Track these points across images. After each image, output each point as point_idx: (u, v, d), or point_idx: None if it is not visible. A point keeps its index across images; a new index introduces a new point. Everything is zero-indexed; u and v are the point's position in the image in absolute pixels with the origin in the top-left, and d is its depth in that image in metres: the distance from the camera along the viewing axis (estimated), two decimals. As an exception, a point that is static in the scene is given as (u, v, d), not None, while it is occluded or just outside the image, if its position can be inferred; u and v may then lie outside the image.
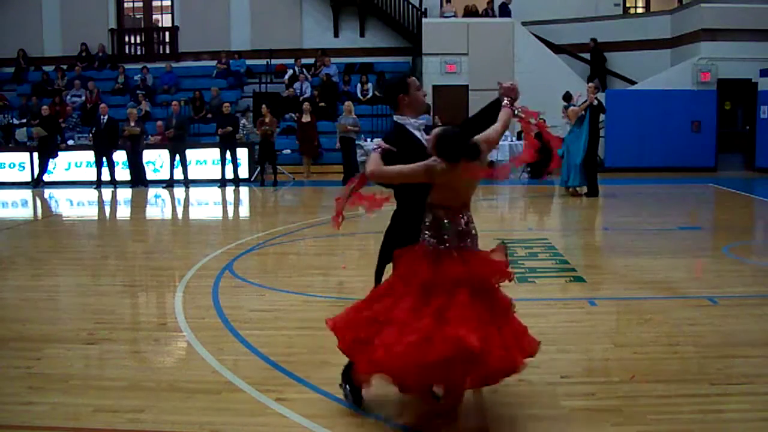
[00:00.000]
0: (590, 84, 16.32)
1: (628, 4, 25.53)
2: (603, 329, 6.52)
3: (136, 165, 19.14)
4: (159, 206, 16.47)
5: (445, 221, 4.39)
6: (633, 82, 22.64)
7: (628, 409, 4.68)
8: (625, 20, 24.32)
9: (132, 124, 19.01)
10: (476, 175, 4.46)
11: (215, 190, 18.29)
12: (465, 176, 4.36)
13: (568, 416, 4.64)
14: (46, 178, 19.74)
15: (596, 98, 15.67)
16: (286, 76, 23.81)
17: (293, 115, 21.80)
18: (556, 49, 23.31)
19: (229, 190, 18.36)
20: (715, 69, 21.01)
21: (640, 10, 25.74)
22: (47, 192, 18.61)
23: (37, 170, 19.71)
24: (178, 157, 18.80)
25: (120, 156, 19.20)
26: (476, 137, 4.49)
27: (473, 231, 4.51)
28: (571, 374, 5.35)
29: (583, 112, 15.48)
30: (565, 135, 15.54)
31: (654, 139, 20.63)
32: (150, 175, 19.48)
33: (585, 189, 15.76)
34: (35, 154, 19.85)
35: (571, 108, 15.75)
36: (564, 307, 7.27)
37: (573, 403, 4.82)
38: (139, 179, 19.11)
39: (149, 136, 19.86)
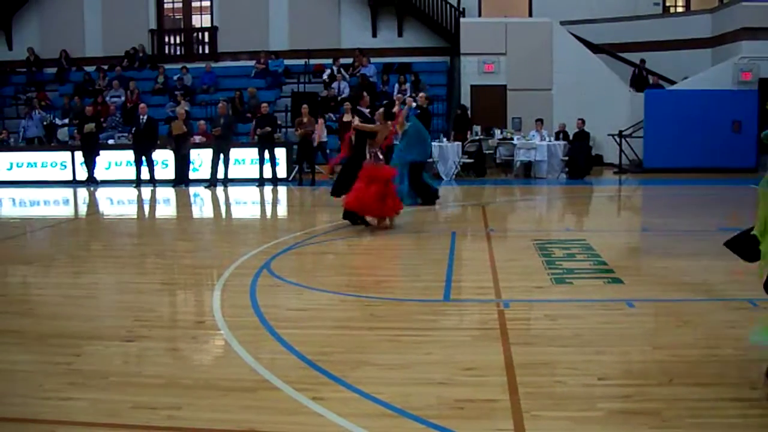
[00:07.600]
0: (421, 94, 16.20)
1: (668, 3, 25.28)
2: (641, 331, 6.46)
3: (181, 164, 19.23)
4: (198, 205, 16.60)
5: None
6: (673, 82, 22.40)
7: (667, 413, 4.63)
8: (665, 19, 24.08)
9: (181, 123, 19.05)
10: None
11: (254, 190, 18.40)
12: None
13: (605, 419, 4.60)
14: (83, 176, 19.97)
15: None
16: (325, 76, 23.89)
17: (332, 115, 21.82)
18: (595, 48, 23.13)
19: (267, 189, 18.46)
20: (756, 68, 20.70)
21: (680, 9, 25.46)
22: (88, 191, 18.85)
23: (84, 169, 19.89)
24: (222, 157, 18.88)
25: (160, 155, 19.36)
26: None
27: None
28: (608, 376, 5.30)
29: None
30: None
31: (694, 139, 20.34)
32: (189, 174, 19.56)
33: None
34: (77, 153, 20.10)
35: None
36: (601, 308, 7.21)
37: (610, 405, 4.77)
38: (182, 179, 19.18)
39: (195, 136, 19.87)
